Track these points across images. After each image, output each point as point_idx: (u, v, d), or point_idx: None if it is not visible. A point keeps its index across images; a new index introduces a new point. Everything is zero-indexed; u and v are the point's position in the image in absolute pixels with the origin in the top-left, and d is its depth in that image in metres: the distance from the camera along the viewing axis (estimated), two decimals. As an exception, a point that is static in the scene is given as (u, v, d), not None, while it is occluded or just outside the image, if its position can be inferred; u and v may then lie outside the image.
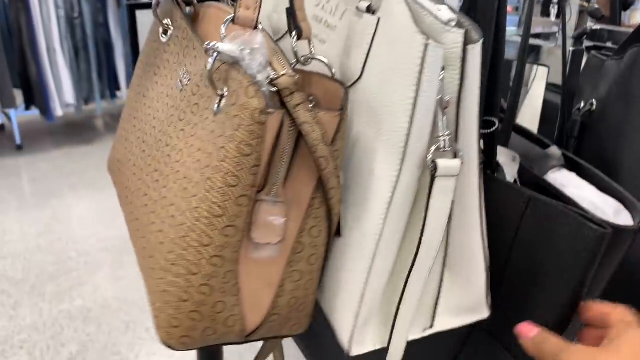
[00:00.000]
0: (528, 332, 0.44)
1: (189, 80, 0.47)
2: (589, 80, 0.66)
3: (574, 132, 0.66)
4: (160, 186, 0.46)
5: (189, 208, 0.41)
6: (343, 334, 0.47)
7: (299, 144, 0.41)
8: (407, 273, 0.44)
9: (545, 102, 0.76)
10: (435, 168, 0.41)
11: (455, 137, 0.42)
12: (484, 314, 0.51)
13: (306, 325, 0.48)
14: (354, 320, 0.46)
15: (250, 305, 0.44)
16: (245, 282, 0.43)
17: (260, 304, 0.44)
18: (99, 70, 3.02)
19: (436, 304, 0.48)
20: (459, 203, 0.45)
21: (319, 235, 0.44)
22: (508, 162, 0.54)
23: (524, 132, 0.61)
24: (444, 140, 0.41)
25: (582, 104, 0.66)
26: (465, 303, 0.49)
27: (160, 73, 0.54)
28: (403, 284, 0.45)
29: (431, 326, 0.49)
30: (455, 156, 0.42)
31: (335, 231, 0.45)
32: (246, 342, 0.46)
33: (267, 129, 0.39)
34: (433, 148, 0.41)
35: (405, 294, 0.44)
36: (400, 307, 0.45)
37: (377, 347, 0.48)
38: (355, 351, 0.47)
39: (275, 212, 0.42)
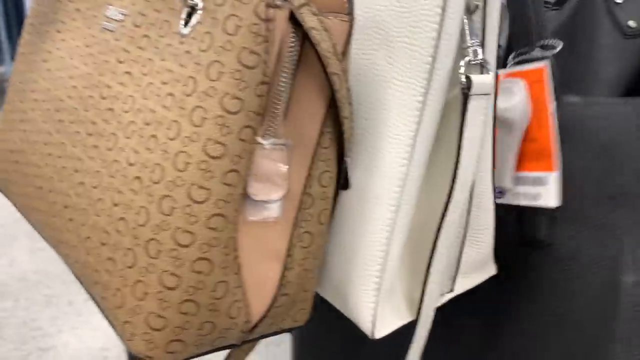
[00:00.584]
0: None
1: (124, 16, 0.36)
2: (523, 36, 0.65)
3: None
4: (103, 150, 0.34)
5: (166, 157, 0.30)
6: (363, 314, 0.37)
7: (300, 63, 0.32)
8: (435, 223, 0.37)
9: None
10: (469, 85, 0.34)
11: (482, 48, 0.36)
12: (492, 270, 0.45)
13: (310, 310, 0.38)
14: (376, 293, 0.37)
15: (254, 285, 0.33)
16: (245, 255, 0.32)
17: (266, 283, 0.34)
18: None
19: (459, 261, 0.41)
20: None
21: (329, 184, 0.35)
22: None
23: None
24: (474, 50, 0.34)
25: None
26: (478, 259, 0.43)
27: (66, 27, 0.42)
28: (429, 238, 0.37)
29: (451, 290, 0.42)
30: (483, 70, 0.36)
31: (342, 182, 0.36)
32: (245, 342, 0.35)
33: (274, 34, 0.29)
34: (463, 62, 0.34)
35: (437, 245, 0.37)
36: (432, 263, 0.37)
37: (404, 322, 0.39)
38: (381, 332, 0.38)
39: (275, 156, 0.32)
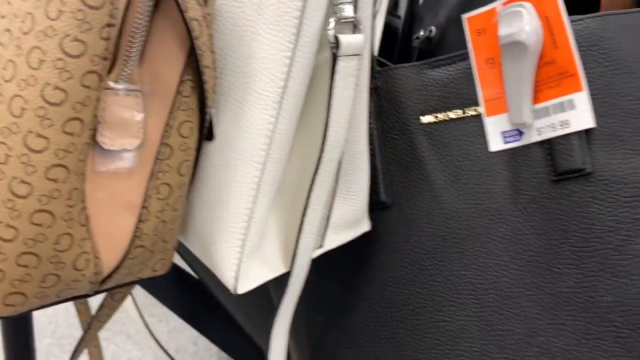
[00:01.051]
0: None
1: None
2: (430, 6, 0.65)
3: (412, 59, 0.65)
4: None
5: (1, 101, 0.28)
6: (226, 269, 0.37)
7: (158, 5, 0.30)
8: (307, 181, 0.37)
9: (387, 26, 0.74)
10: (337, 45, 0.33)
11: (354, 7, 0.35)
12: (366, 226, 0.45)
13: (171, 260, 0.37)
14: (240, 250, 0.36)
15: (106, 237, 0.32)
16: (95, 207, 0.31)
17: (118, 235, 0.32)
18: None
19: (328, 218, 0.41)
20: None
21: (190, 134, 0.34)
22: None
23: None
24: (345, 7, 0.33)
25: (422, 32, 0.64)
26: (351, 216, 0.43)
27: None
28: (300, 196, 0.37)
29: (321, 245, 0.42)
30: (355, 30, 0.35)
31: (206, 133, 0.35)
32: (99, 292, 0.34)
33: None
34: (333, 19, 0.33)
35: (309, 202, 0.37)
36: (305, 219, 0.37)
37: (278, 274, 0.39)
38: (245, 287, 0.38)
39: (129, 103, 0.30)
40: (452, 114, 0.42)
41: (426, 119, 0.43)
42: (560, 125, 0.38)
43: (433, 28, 0.64)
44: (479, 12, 0.40)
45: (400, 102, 0.43)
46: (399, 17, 0.65)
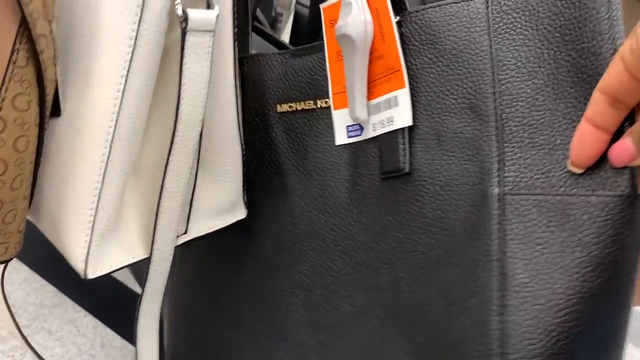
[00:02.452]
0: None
1: None
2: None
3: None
4: None
5: None
6: (75, 253, 0.35)
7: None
8: (163, 164, 0.35)
9: (297, 14, 0.73)
10: (185, 19, 0.32)
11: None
12: (241, 214, 0.44)
13: (17, 247, 0.35)
14: (89, 233, 0.35)
15: None
16: None
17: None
18: None
19: (190, 204, 0.40)
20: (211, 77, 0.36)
21: (27, 107, 0.32)
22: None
23: (271, 39, 0.56)
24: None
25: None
26: (222, 203, 0.42)
27: None
28: (157, 178, 0.36)
29: (185, 232, 0.41)
30: (209, 6, 0.34)
31: (51, 108, 0.33)
32: None
33: None
34: None
35: (165, 184, 0.35)
36: (161, 202, 0.35)
37: (137, 259, 0.38)
38: (96, 272, 0.36)
39: (-47, 71, 0.28)
40: (305, 105, 0.41)
41: (282, 107, 0.42)
42: (387, 123, 0.37)
43: None
44: (332, 2, 0.39)
45: (262, 88, 0.42)
46: (306, 6, 0.64)
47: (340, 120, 0.39)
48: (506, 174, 0.33)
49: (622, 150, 0.30)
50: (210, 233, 0.42)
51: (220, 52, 0.36)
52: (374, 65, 0.37)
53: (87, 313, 1.25)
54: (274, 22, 0.71)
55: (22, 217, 0.34)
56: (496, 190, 0.33)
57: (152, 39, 0.31)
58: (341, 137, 0.40)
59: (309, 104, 0.41)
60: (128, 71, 0.32)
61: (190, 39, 0.32)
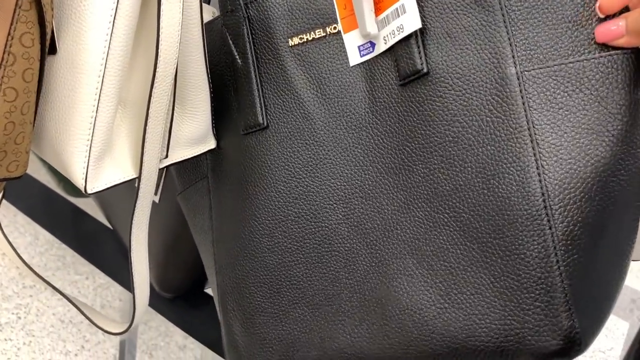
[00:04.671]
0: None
1: None
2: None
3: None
4: None
5: None
6: (76, 172, 0.43)
7: None
8: (147, 96, 0.43)
9: None
10: None
11: None
12: (212, 144, 0.52)
13: (25, 165, 0.43)
14: (87, 154, 0.42)
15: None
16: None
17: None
18: None
19: (169, 133, 0.47)
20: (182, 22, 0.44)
21: (32, 44, 0.39)
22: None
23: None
24: None
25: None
26: (195, 134, 0.50)
27: None
28: (142, 108, 0.43)
29: (166, 156, 0.48)
30: None
31: (49, 46, 0.41)
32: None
33: None
34: None
35: (149, 113, 0.43)
36: (147, 128, 0.43)
37: (129, 178, 0.45)
38: (95, 188, 0.43)
39: (-28, 13, 0.36)
40: (315, 34, 0.46)
41: (293, 41, 0.47)
42: (398, 31, 0.41)
43: None
44: None
45: (270, 28, 0.47)
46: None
47: (352, 42, 0.44)
48: (519, 54, 0.37)
49: (613, 29, 0.35)
50: (186, 160, 0.50)
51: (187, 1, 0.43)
52: None
53: (88, 276, 1.32)
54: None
55: (29, 138, 0.42)
56: (513, 70, 0.37)
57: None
58: (355, 58, 0.44)
59: (319, 33, 0.45)
60: (114, 16, 0.39)
61: None
